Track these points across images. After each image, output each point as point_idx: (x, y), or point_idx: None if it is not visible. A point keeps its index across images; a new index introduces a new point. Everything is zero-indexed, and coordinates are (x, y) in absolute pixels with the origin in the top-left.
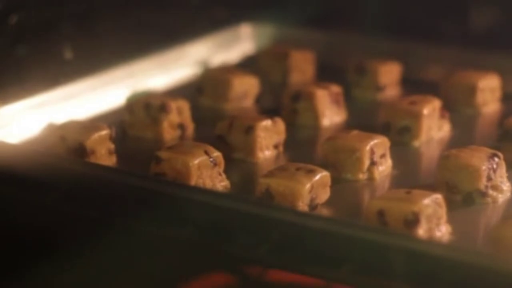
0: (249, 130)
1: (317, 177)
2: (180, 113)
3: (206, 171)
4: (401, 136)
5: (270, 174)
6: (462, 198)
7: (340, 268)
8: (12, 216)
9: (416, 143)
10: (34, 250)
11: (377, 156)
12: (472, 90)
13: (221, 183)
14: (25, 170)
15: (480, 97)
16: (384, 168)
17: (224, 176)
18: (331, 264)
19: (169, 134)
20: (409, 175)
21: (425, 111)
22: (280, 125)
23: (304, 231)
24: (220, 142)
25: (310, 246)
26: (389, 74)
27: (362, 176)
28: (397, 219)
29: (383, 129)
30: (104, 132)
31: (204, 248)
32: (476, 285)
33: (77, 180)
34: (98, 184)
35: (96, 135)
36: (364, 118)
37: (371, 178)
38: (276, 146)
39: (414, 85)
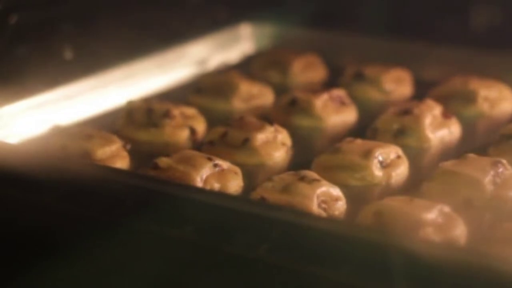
0: (246, 141)
1: (323, 188)
2: (185, 118)
3: (212, 177)
4: (397, 140)
5: (268, 189)
6: (464, 202)
7: (340, 268)
8: (12, 216)
9: (418, 147)
10: (34, 250)
11: (386, 161)
12: (473, 98)
13: (235, 182)
14: (25, 170)
15: (483, 104)
16: (402, 169)
17: (239, 174)
18: (331, 264)
19: (172, 137)
20: (410, 179)
21: (421, 119)
22: (280, 129)
23: (304, 231)
24: (212, 147)
25: (310, 246)
26: (389, 80)
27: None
28: (397, 225)
29: (371, 134)
30: (115, 147)
31: (204, 248)
32: (476, 287)
33: (77, 180)
34: (98, 184)
35: (106, 149)
36: (367, 119)
37: (387, 182)
38: (282, 144)
39: (414, 85)
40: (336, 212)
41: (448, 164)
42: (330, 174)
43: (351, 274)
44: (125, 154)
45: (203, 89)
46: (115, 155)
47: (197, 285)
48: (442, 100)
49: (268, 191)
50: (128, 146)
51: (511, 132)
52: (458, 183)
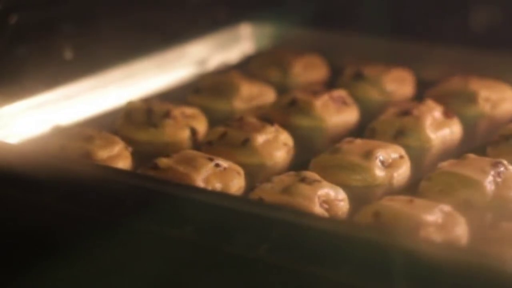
0: (246, 142)
1: (324, 189)
2: (186, 118)
3: (214, 177)
4: (396, 140)
5: (267, 190)
6: (463, 202)
7: (340, 268)
8: (12, 216)
9: (419, 147)
10: (34, 250)
11: (388, 161)
12: (473, 99)
13: (236, 182)
14: (25, 170)
15: (484, 105)
16: (404, 169)
17: (242, 174)
18: (331, 264)
19: (173, 137)
20: (412, 179)
21: (421, 120)
22: (281, 129)
23: (304, 231)
24: (211, 147)
25: (310, 246)
26: (390, 80)
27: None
28: (397, 226)
29: (370, 134)
30: (116, 149)
31: (204, 248)
32: (476, 287)
33: (77, 180)
34: (98, 184)
35: (108, 150)
36: (369, 119)
37: (389, 183)
38: (284, 144)
39: (414, 85)
40: (339, 213)
41: (448, 165)
42: (329, 174)
43: (351, 274)
44: (126, 154)
45: (203, 89)
46: (117, 156)
47: (197, 285)
48: (441, 100)
49: (267, 192)
50: (130, 149)
51: (510, 132)
52: (458, 184)
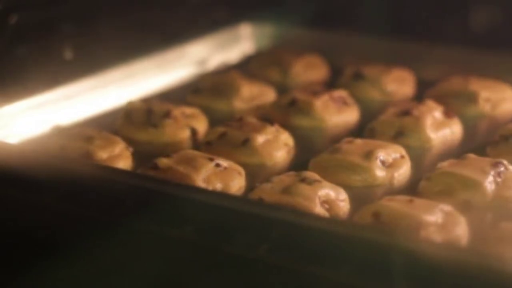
0: (246, 142)
1: (324, 190)
2: (186, 118)
3: (215, 177)
4: (397, 140)
5: (267, 190)
6: (463, 203)
7: (340, 268)
8: (12, 216)
9: (419, 147)
10: (34, 250)
11: (388, 161)
12: (474, 99)
13: (237, 182)
14: (25, 170)
15: (484, 105)
16: (404, 169)
17: (243, 175)
18: (331, 264)
19: (173, 137)
20: (412, 179)
21: (422, 120)
22: (282, 129)
23: (304, 231)
24: (210, 147)
25: (310, 246)
26: (390, 80)
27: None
28: (397, 226)
29: (369, 134)
30: (117, 149)
31: (204, 248)
32: (476, 287)
33: (77, 180)
34: (98, 184)
35: (108, 150)
36: (369, 119)
37: (390, 183)
38: (285, 144)
39: (415, 85)
40: (339, 213)
41: (448, 165)
42: (329, 174)
43: (351, 274)
44: (127, 154)
45: (203, 89)
46: (117, 156)
47: (197, 285)
48: (441, 100)
49: (266, 192)
50: (131, 149)
51: (510, 132)
52: (458, 184)
